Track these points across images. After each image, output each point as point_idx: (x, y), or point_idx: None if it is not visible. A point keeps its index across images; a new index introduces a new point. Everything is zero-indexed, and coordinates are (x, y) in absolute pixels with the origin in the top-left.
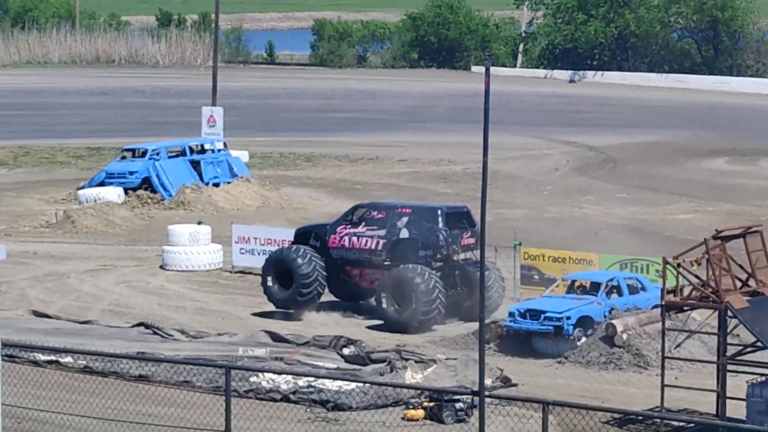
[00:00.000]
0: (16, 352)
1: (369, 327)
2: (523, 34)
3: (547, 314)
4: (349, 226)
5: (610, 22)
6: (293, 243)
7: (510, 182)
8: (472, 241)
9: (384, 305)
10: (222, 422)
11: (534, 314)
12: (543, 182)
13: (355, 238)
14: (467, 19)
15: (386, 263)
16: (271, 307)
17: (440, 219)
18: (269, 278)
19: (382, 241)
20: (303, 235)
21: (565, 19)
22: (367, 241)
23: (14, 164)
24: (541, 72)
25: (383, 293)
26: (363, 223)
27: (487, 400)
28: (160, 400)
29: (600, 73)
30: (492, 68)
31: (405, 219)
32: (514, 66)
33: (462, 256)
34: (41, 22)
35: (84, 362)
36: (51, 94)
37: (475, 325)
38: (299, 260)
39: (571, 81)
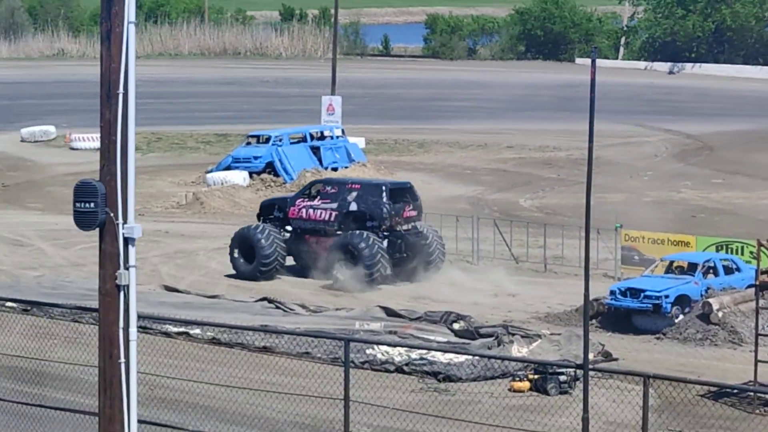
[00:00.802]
0: (150, 324)
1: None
2: (625, 28)
3: (647, 293)
4: (307, 199)
5: (707, 16)
6: (259, 213)
7: (612, 168)
8: (414, 213)
9: (335, 269)
10: (340, 391)
11: (634, 293)
12: (643, 168)
13: (311, 210)
14: (572, 13)
15: (337, 232)
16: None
17: (384, 194)
18: (236, 251)
19: (334, 213)
20: (268, 207)
21: (664, 14)
22: (321, 212)
23: (147, 149)
24: (641, 64)
25: (335, 257)
26: (318, 197)
27: (590, 373)
28: (282, 369)
29: (697, 65)
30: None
31: (354, 194)
32: (616, 58)
33: (405, 226)
34: (173, 17)
35: (212, 334)
36: (182, 83)
37: (580, 302)
38: (262, 240)
39: (670, 72)
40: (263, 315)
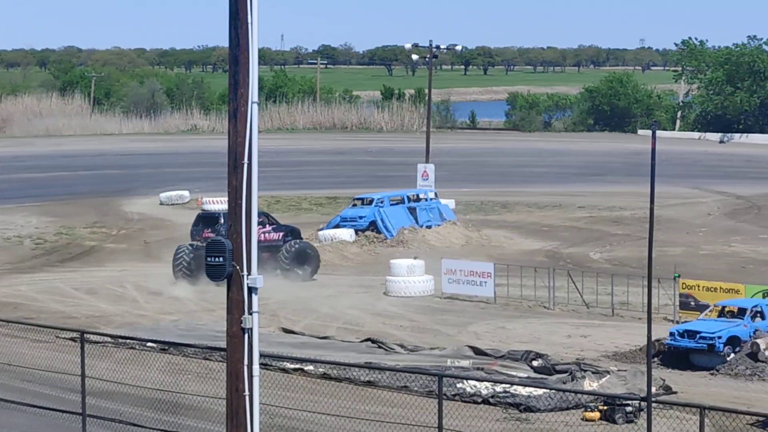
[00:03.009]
0: (269, 362)
1: None
2: (681, 103)
3: (702, 334)
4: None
5: (753, 93)
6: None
7: (671, 225)
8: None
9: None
10: (435, 420)
11: (691, 334)
12: (699, 225)
13: (206, 232)
14: (634, 91)
15: None
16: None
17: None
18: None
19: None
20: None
21: (715, 90)
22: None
23: (267, 211)
24: (695, 134)
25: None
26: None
27: (653, 404)
28: (384, 401)
29: (745, 135)
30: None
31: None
32: (673, 129)
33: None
34: (289, 97)
35: (323, 370)
36: (297, 154)
37: (643, 342)
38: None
39: (721, 142)
40: (368, 353)
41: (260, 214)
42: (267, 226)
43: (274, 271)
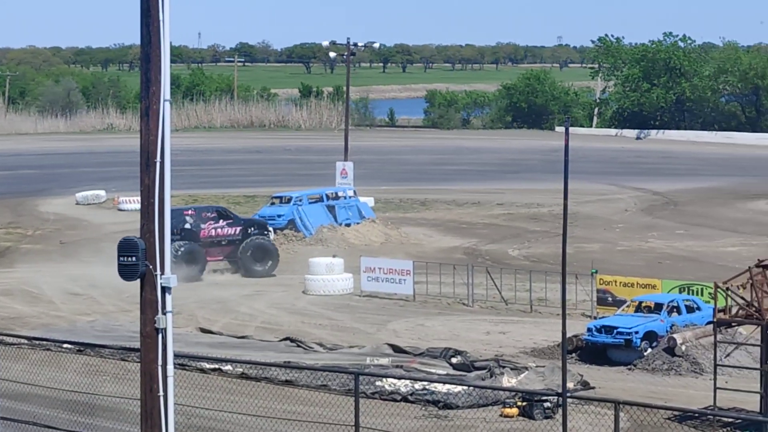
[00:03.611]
0: (187, 362)
1: None
2: (598, 100)
3: (619, 329)
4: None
5: (669, 89)
6: None
7: (588, 221)
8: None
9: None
10: (353, 418)
11: (608, 330)
12: (616, 221)
13: None
14: (552, 88)
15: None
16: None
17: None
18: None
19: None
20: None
21: (632, 87)
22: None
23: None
24: (612, 131)
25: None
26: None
27: (569, 400)
28: (303, 400)
29: (661, 131)
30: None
31: (189, 217)
32: (590, 126)
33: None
34: (207, 95)
35: (241, 370)
36: (215, 152)
37: (560, 339)
38: None
39: (638, 138)
40: (287, 353)
41: (214, 209)
42: (221, 221)
43: (234, 267)
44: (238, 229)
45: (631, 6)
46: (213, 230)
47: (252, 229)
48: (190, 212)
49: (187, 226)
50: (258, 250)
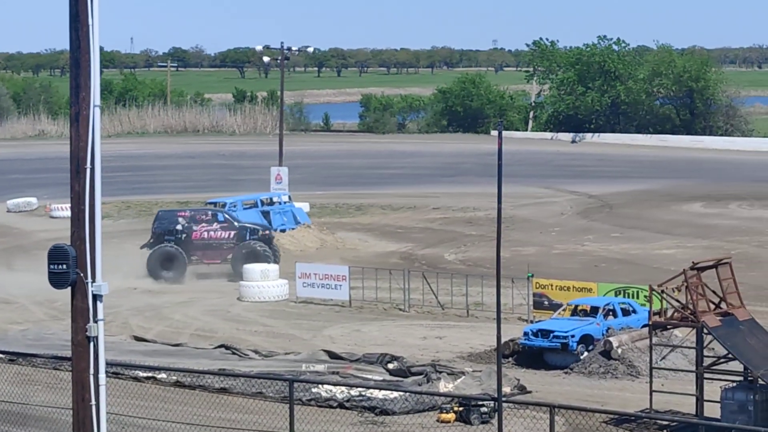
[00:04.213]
0: (121, 370)
1: None
2: (533, 104)
3: (556, 333)
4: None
5: (604, 92)
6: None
7: (524, 224)
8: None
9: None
10: (288, 426)
11: (545, 333)
12: (552, 224)
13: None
14: (487, 92)
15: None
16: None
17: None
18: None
19: None
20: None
21: (567, 90)
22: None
23: (118, 216)
24: (548, 134)
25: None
26: None
27: (506, 404)
28: (238, 408)
29: (597, 134)
30: (506, 132)
31: (182, 218)
32: (526, 130)
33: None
34: (139, 100)
35: (176, 378)
36: (148, 158)
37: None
38: None
39: (573, 141)
40: (221, 360)
41: (211, 212)
42: (215, 224)
43: (229, 272)
44: (233, 233)
45: (566, 10)
46: (205, 233)
47: (249, 233)
48: (184, 214)
49: (179, 227)
50: (251, 256)
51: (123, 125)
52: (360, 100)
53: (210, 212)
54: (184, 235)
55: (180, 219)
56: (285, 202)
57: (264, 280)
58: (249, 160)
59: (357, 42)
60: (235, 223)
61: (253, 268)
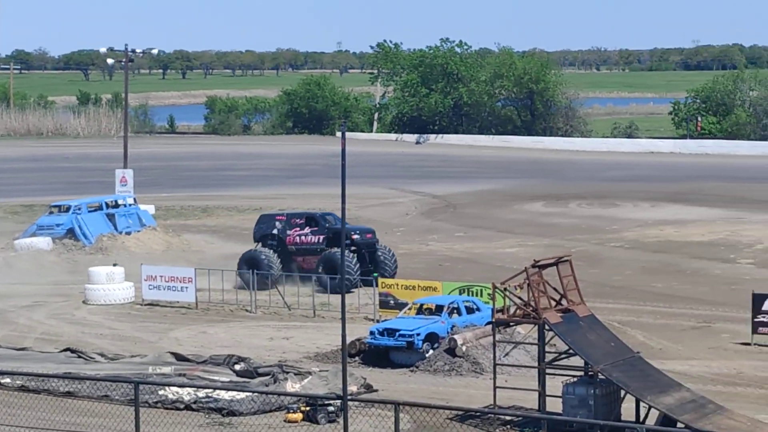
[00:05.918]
0: None
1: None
2: (377, 105)
3: (401, 332)
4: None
5: (447, 94)
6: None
7: (370, 224)
8: (307, 238)
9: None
10: (134, 428)
11: (390, 332)
12: (397, 225)
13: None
14: (332, 94)
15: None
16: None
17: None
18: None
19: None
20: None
21: (410, 92)
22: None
23: None
24: (392, 136)
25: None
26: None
27: (351, 403)
28: (85, 411)
29: (440, 135)
30: (351, 133)
31: (279, 222)
32: (371, 131)
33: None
34: None
35: (20, 382)
36: None
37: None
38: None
39: (417, 143)
40: (67, 363)
41: (305, 215)
42: (307, 228)
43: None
44: (321, 237)
45: (409, 12)
46: (297, 237)
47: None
48: (281, 218)
49: (275, 231)
50: (329, 264)
51: None
52: (205, 102)
53: (305, 215)
54: (279, 239)
55: (276, 223)
56: (130, 205)
57: (109, 283)
58: (94, 162)
59: (202, 44)
60: (326, 228)
61: (98, 272)
